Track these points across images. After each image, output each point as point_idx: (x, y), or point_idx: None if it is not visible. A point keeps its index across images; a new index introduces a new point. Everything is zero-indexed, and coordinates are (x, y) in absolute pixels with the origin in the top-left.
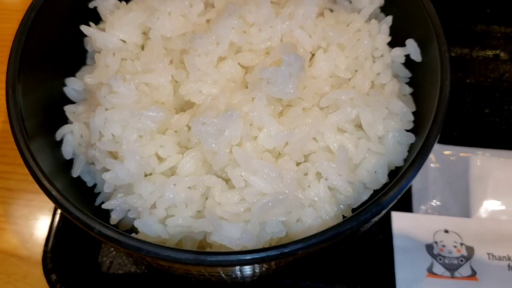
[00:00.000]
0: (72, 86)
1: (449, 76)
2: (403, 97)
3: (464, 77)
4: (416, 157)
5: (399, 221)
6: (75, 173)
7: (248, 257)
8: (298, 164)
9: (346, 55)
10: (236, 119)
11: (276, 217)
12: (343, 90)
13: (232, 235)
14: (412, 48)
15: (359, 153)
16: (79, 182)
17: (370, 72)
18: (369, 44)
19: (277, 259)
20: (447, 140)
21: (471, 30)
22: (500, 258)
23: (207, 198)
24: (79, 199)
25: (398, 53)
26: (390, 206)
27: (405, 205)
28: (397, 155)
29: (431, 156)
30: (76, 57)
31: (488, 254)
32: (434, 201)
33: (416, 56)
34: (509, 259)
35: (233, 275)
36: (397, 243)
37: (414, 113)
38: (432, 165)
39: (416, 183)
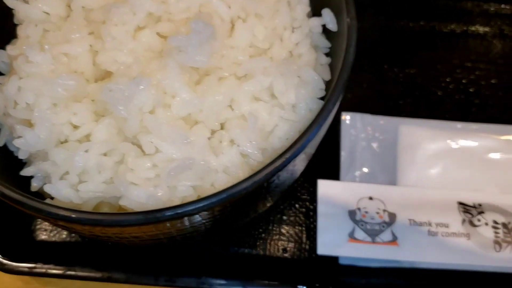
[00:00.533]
0: (1, 58)
1: (354, 44)
2: (320, 66)
3: (399, 50)
4: (314, 122)
5: (325, 188)
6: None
7: (141, 217)
8: (214, 132)
9: (265, 26)
10: (145, 86)
11: (186, 182)
12: (257, 59)
13: (140, 199)
14: (328, 17)
15: (272, 121)
16: (7, 152)
17: (289, 42)
18: (288, 15)
19: (172, 219)
20: (378, 110)
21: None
22: (421, 224)
23: None
24: (6, 169)
25: (315, 23)
26: (285, 168)
27: (333, 173)
28: (309, 122)
29: (360, 125)
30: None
31: (410, 220)
32: (362, 169)
33: (333, 25)
34: (429, 224)
35: (141, 238)
36: (320, 209)
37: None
38: (362, 134)
39: (345, 152)
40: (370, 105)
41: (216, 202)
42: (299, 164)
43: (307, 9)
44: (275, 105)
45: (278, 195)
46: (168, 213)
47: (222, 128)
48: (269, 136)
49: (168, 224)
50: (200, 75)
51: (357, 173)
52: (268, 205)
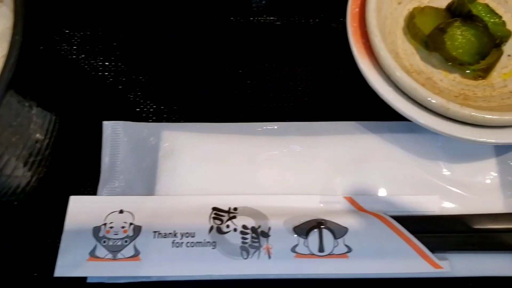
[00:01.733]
0: None
1: (11, 63)
2: None
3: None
4: None
5: (75, 204)
6: None
7: None
8: None
9: None
10: None
11: None
12: None
13: None
14: None
15: None
16: None
17: None
18: None
19: None
20: (145, 117)
21: None
22: (165, 235)
23: None
24: None
25: None
26: None
27: (91, 186)
28: None
29: (122, 134)
30: None
31: (155, 232)
32: (121, 180)
33: None
34: (174, 235)
35: None
36: (66, 228)
37: None
38: (124, 143)
39: (105, 163)
40: (139, 112)
41: None
42: None
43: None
44: None
45: None
46: None
47: None
48: None
49: None
50: None
51: (117, 184)
52: None
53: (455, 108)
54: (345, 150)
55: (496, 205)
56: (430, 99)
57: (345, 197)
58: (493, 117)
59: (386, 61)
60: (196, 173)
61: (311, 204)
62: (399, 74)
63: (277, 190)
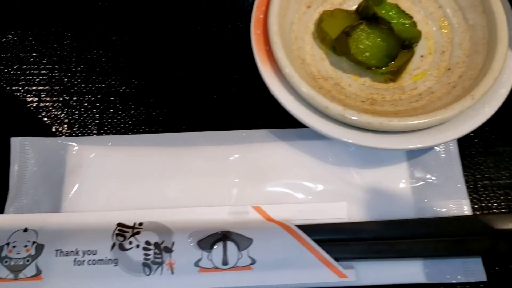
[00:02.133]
0: None
1: None
2: None
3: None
4: None
5: None
6: None
7: None
8: None
9: None
10: None
11: None
12: None
13: None
14: None
15: None
16: None
17: None
18: None
19: None
20: (55, 131)
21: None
22: (67, 254)
23: None
24: None
25: None
26: None
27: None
28: None
29: (30, 150)
30: None
31: (57, 250)
32: (29, 197)
33: None
34: (77, 253)
35: None
36: None
37: None
38: (31, 159)
39: (13, 180)
40: (49, 126)
41: None
42: None
43: None
44: None
45: None
46: None
47: None
48: None
49: None
50: None
51: (25, 202)
52: None
53: (352, 115)
54: (255, 158)
55: (406, 211)
56: (326, 106)
57: (254, 207)
58: (391, 122)
59: (285, 70)
60: (104, 188)
61: (219, 216)
62: (297, 82)
63: (186, 202)
